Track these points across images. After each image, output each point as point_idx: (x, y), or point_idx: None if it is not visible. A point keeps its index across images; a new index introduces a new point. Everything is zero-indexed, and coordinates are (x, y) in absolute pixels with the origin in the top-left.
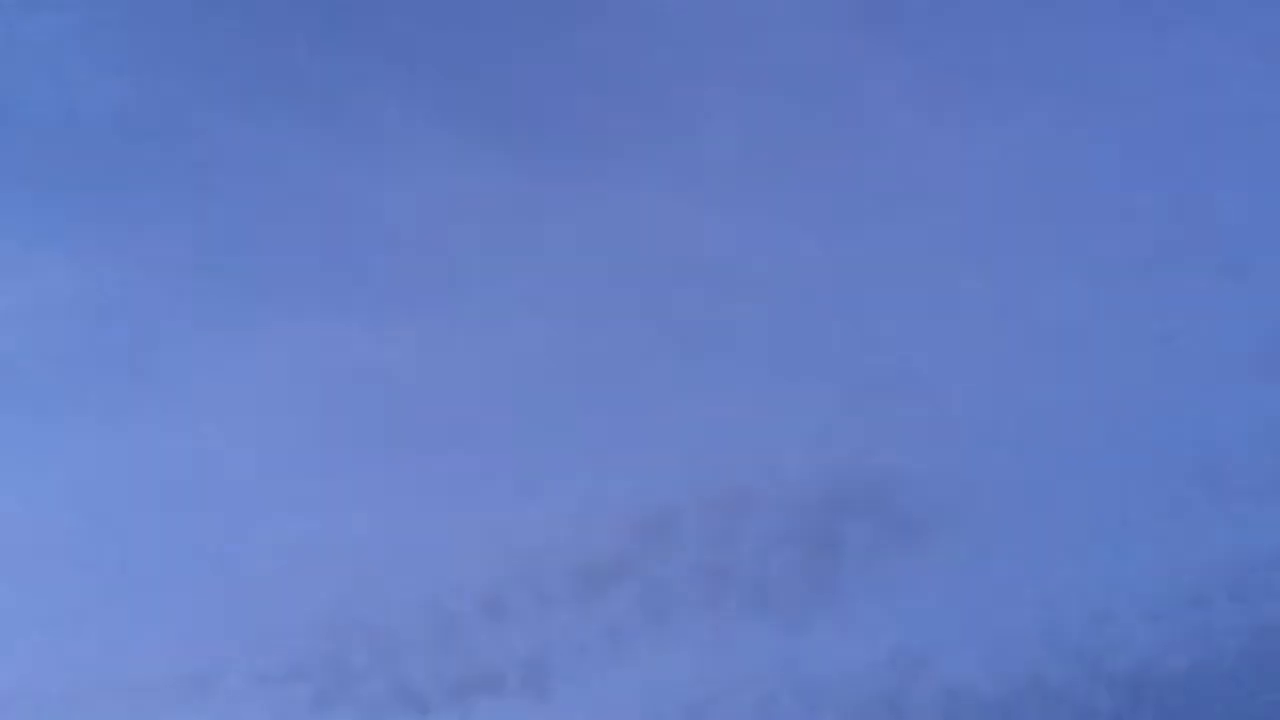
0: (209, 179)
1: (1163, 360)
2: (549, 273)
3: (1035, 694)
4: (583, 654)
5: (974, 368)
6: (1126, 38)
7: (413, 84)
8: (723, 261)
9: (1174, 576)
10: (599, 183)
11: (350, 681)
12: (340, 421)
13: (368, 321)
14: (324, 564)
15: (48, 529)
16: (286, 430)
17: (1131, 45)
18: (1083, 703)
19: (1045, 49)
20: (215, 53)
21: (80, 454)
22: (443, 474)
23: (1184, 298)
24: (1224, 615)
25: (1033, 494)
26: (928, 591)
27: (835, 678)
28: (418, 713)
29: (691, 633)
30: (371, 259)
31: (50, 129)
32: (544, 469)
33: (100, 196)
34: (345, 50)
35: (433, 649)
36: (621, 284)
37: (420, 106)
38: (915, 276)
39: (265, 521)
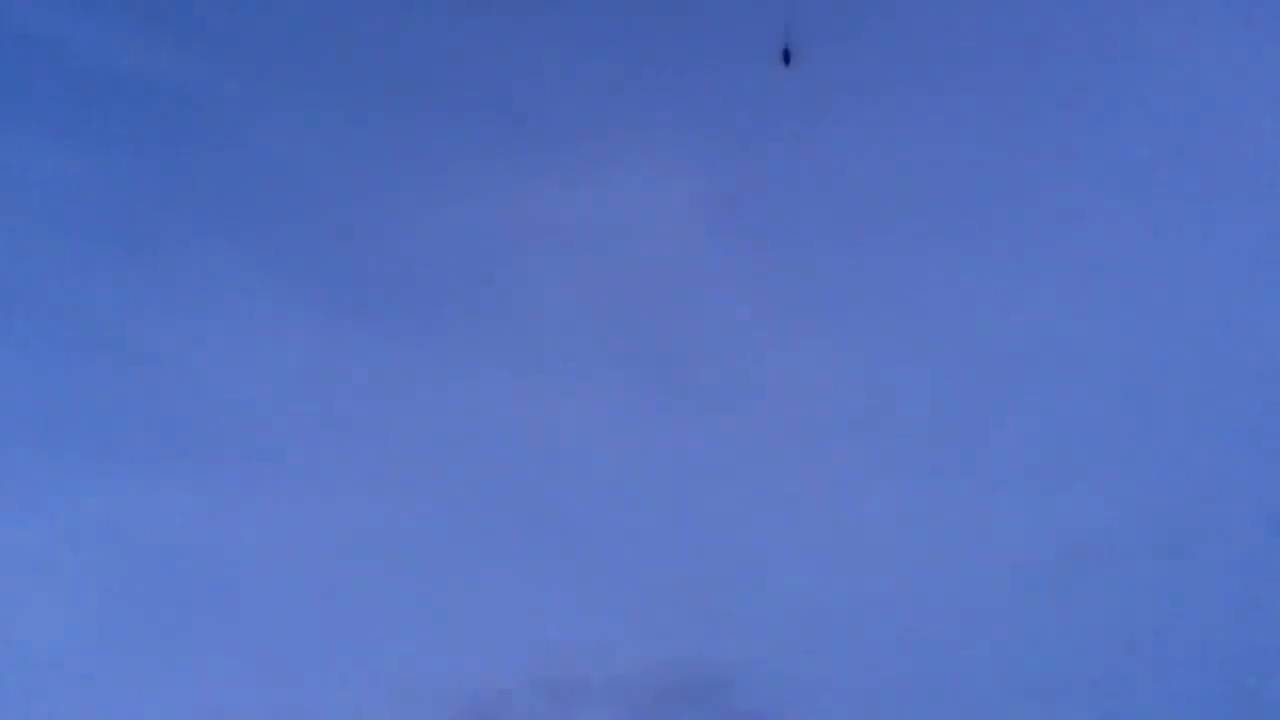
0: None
1: (975, 563)
2: (382, 446)
3: None
4: None
5: (806, 563)
6: (940, 277)
7: (254, 248)
8: (559, 445)
9: None
10: (439, 359)
11: None
12: (134, 598)
13: (177, 487)
14: None
15: None
16: (70, 606)
17: (946, 282)
18: None
19: (883, 264)
20: (42, 198)
21: None
22: (246, 654)
23: (992, 506)
24: None
25: (861, 692)
26: None
27: None
28: None
29: None
30: (189, 422)
31: None
32: (359, 648)
33: None
34: (185, 209)
35: None
36: (455, 461)
37: (260, 272)
38: (749, 470)
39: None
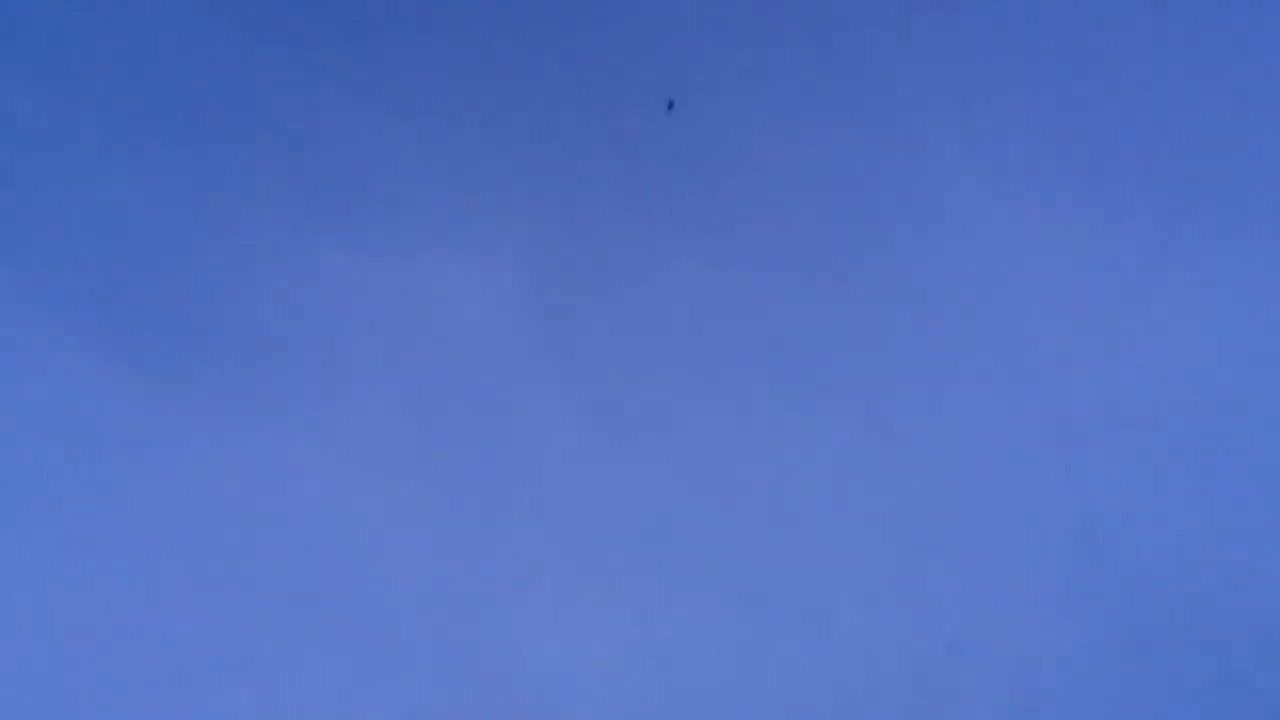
0: None
1: (757, 706)
2: (164, 515)
3: None
4: None
5: (602, 686)
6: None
7: (52, 298)
8: (348, 534)
9: None
10: (235, 428)
11: None
12: None
13: None
14: None
15: None
16: None
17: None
18: None
19: (701, 391)
20: None
21: None
22: None
23: (776, 652)
24: None
25: None
26: None
27: None
28: None
29: None
30: None
31: None
32: None
33: None
34: None
35: None
36: (238, 535)
37: (53, 323)
38: (542, 581)
39: None
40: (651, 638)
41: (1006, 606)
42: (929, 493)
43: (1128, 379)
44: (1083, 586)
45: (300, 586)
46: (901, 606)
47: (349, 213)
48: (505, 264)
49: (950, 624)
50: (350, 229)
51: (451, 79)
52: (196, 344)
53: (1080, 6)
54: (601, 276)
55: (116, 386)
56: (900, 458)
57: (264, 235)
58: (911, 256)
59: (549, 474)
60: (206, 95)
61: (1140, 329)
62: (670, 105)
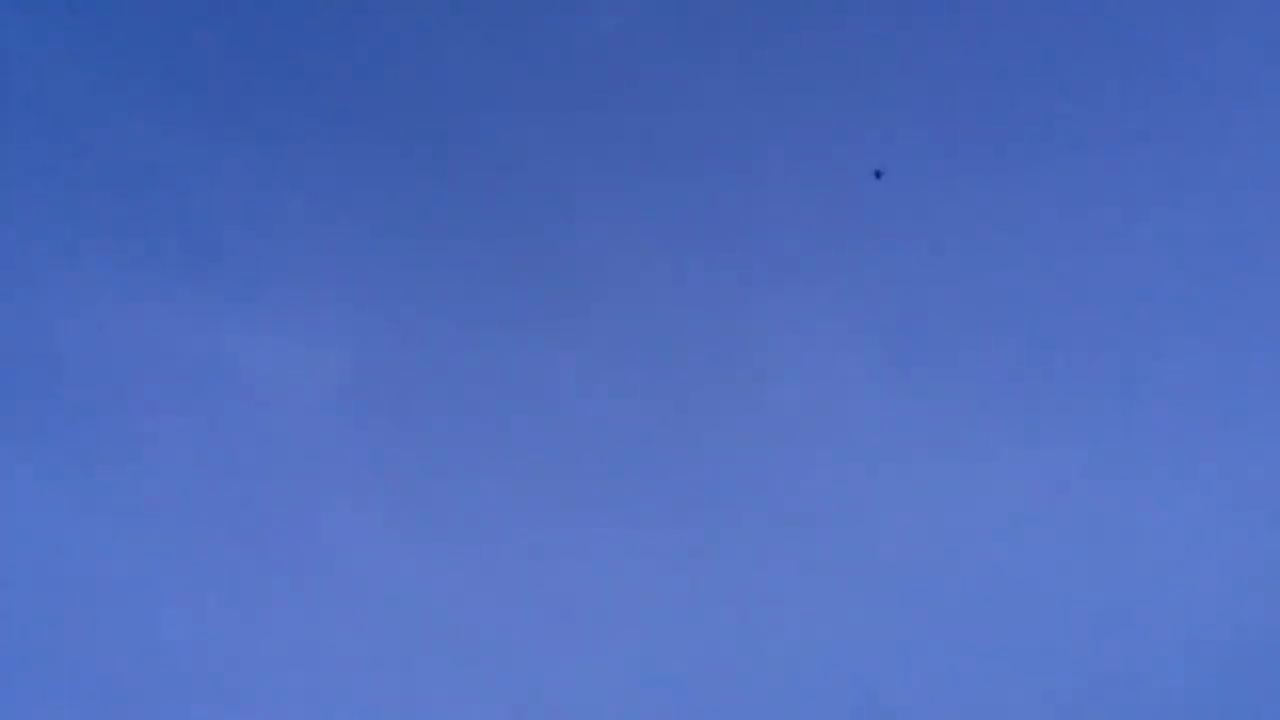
0: None
1: None
2: None
3: None
4: None
5: None
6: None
7: None
8: (134, 600)
9: None
10: (30, 480)
11: None
12: None
13: None
14: None
15: None
16: None
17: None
18: None
19: (515, 500)
20: None
21: None
22: None
23: None
24: None
25: None
26: None
27: None
28: None
29: None
30: None
31: None
32: None
33: None
34: None
35: None
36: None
37: None
38: (348, 671)
39: None
40: None
41: None
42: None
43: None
44: None
45: (69, 648)
46: None
47: (180, 269)
48: (336, 348)
49: None
50: (182, 287)
51: (314, 153)
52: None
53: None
54: (434, 369)
55: None
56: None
57: (84, 281)
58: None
59: (346, 567)
60: (47, 129)
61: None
62: (878, 174)
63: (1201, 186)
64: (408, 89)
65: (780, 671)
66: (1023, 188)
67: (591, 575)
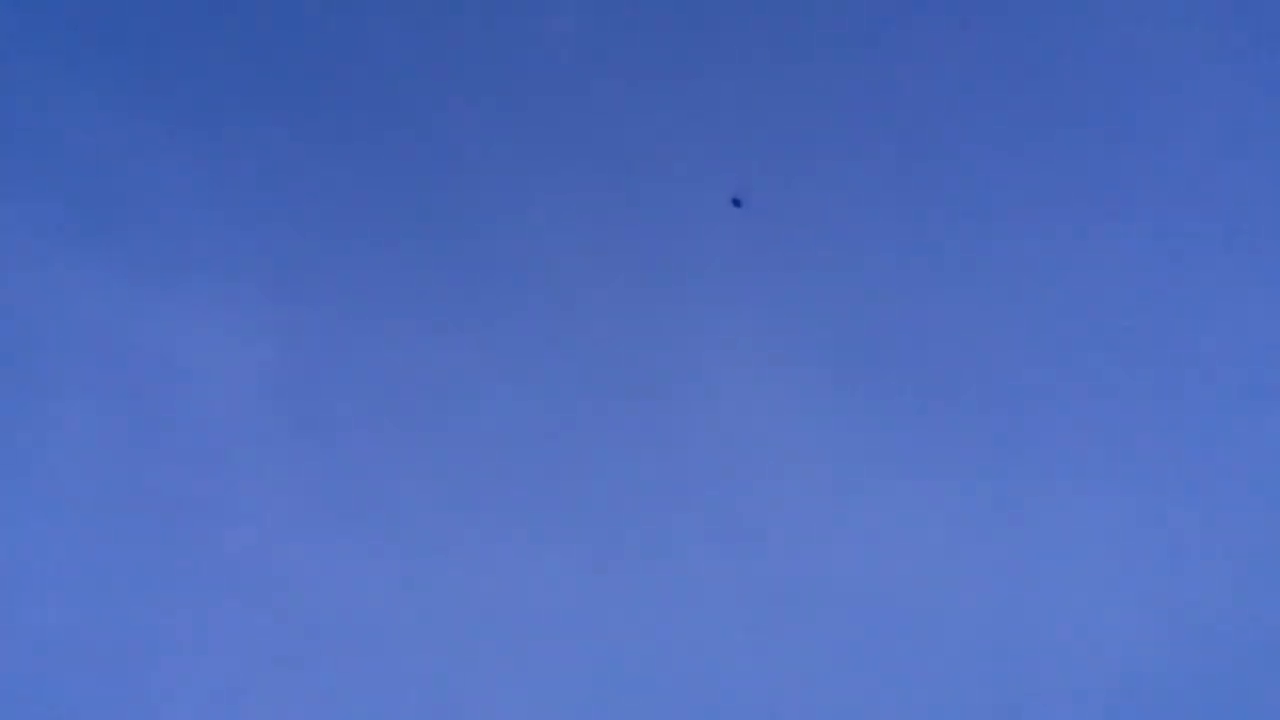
0: None
1: None
2: None
3: None
4: None
5: None
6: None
7: None
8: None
9: None
10: None
11: None
12: None
13: None
14: None
15: None
16: None
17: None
18: None
19: (440, 494)
20: None
21: None
22: None
23: None
24: None
25: None
26: None
27: None
28: None
29: None
30: None
31: None
32: None
33: None
34: None
35: None
36: None
37: None
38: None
39: None
40: None
41: None
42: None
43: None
44: None
45: None
46: None
47: (99, 243)
48: (261, 340)
49: None
50: (101, 252)
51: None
52: None
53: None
54: (359, 366)
55: None
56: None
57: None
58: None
59: (256, 564)
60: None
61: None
62: (737, 203)
63: (1169, 199)
64: (351, 78)
65: (703, 689)
66: (975, 208)
67: (513, 582)
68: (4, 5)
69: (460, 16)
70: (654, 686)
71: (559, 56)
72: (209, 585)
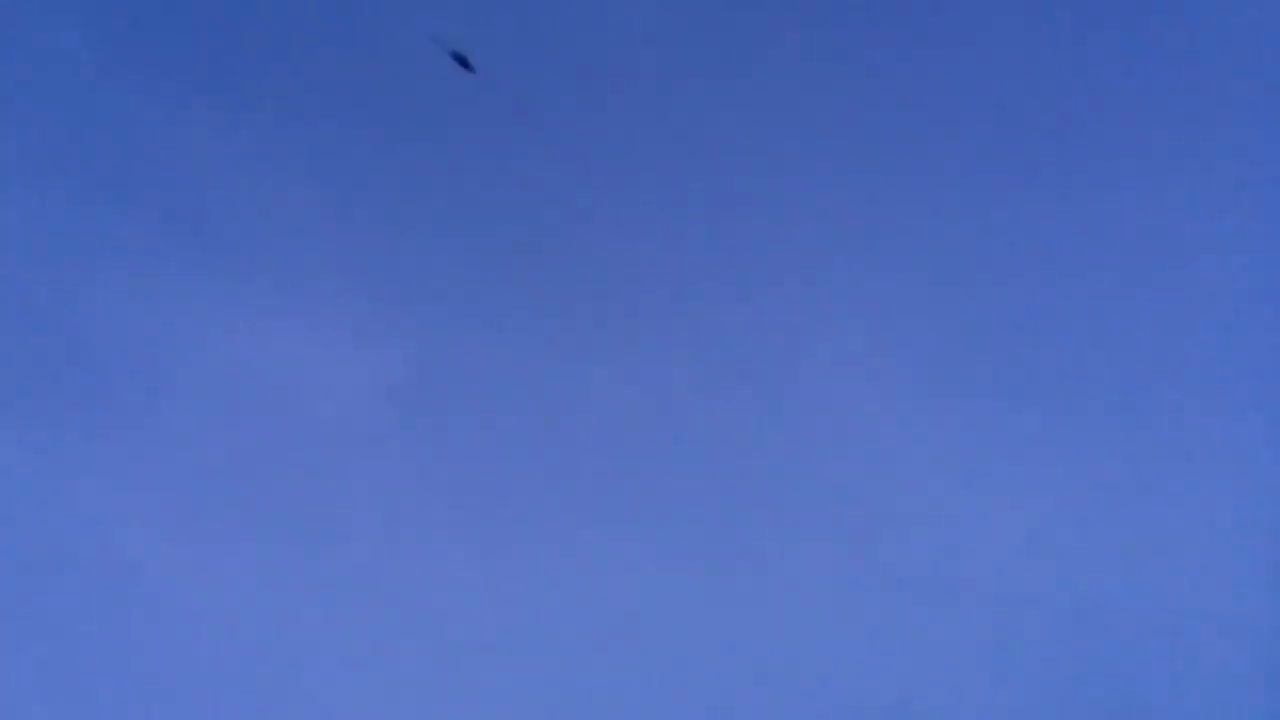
0: None
1: None
2: None
3: None
4: None
5: None
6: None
7: None
8: (169, 591)
9: None
10: (69, 473)
11: None
12: None
13: None
14: None
15: None
16: None
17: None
18: None
19: (560, 504)
20: None
21: None
22: None
23: None
24: None
25: None
26: None
27: None
28: None
29: None
30: None
31: None
32: None
33: None
34: None
35: None
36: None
37: None
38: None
39: None
40: None
41: None
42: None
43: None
44: None
45: (100, 643)
46: None
47: (199, 251)
48: (377, 350)
49: None
50: (221, 280)
51: (359, 150)
52: (47, 378)
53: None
54: (473, 373)
55: None
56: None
57: (131, 274)
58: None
59: (387, 563)
60: (84, 127)
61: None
62: (462, 61)
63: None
64: (475, 92)
65: (799, 680)
66: (1053, 195)
67: (623, 581)
68: (121, 23)
69: (552, 28)
70: (776, 681)
71: (640, 55)
72: (340, 592)
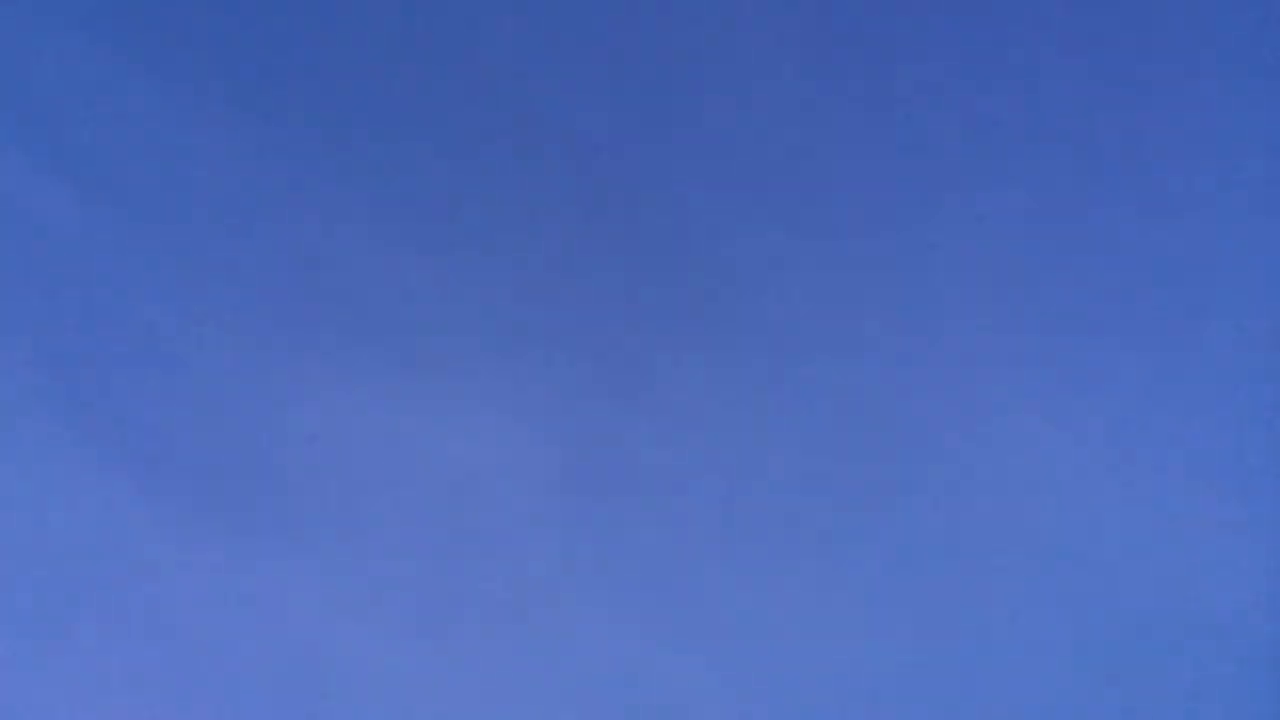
0: None
1: None
2: (186, 646)
3: None
4: None
5: None
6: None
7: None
8: (347, 679)
9: None
10: (239, 560)
11: None
12: None
13: None
14: None
15: None
16: None
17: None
18: None
19: (739, 566)
20: None
21: None
22: None
23: None
24: None
25: None
26: None
27: None
28: None
29: None
30: None
31: None
32: None
33: None
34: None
35: None
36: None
37: (82, 447)
38: None
39: None
40: None
41: None
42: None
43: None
44: None
45: None
46: None
47: (365, 345)
48: (545, 433)
49: None
50: (366, 361)
51: (485, 221)
52: (202, 469)
53: None
54: (635, 431)
55: (121, 509)
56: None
57: (278, 362)
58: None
59: (562, 643)
60: (225, 209)
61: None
62: None
63: None
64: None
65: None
66: None
67: (818, 649)
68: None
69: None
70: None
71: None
72: (523, 679)
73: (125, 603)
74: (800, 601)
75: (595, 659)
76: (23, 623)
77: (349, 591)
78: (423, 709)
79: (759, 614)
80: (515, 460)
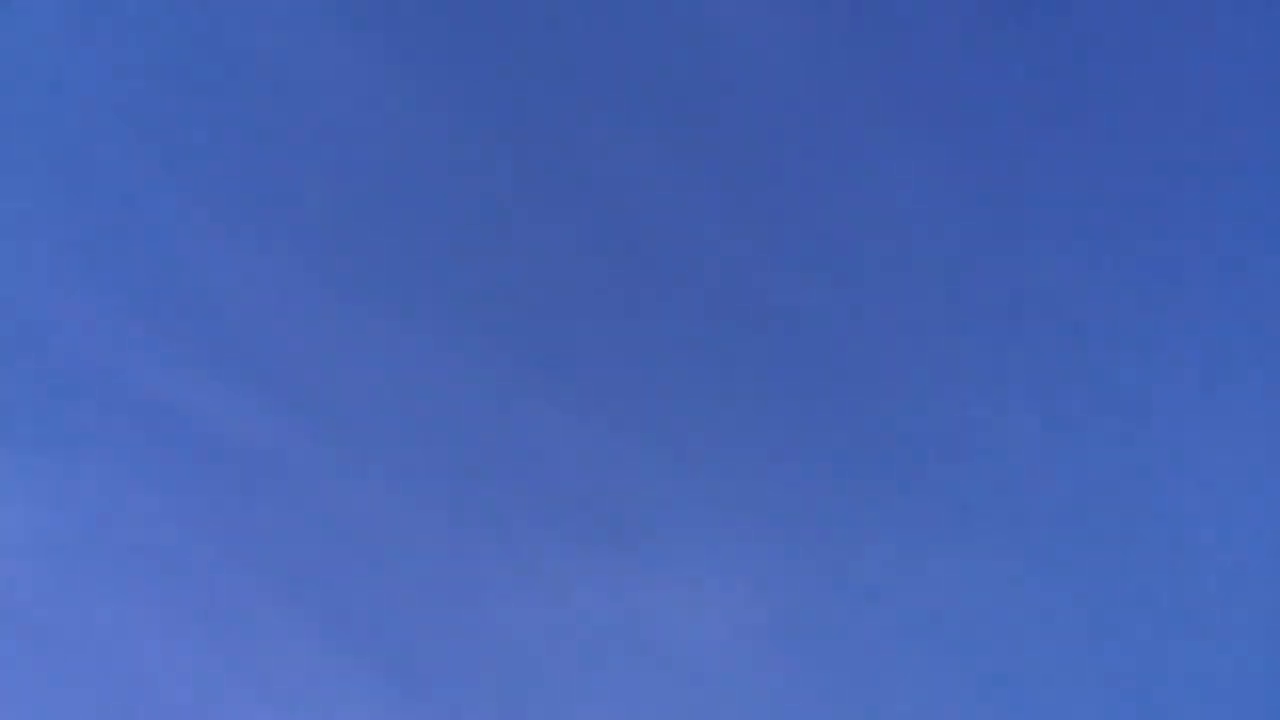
0: None
1: None
2: None
3: None
4: None
5: None
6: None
7: (316, 619)
8: None
9: None
10: None
11: None
12: None
13: None
14: None
15: None
16: None
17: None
18: None
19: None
20: None
21: None
22: None
23: None
24: None
25: None
26: None
27: None
28: None
29: None
30: None
31: None
32: None
33: None
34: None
35: None
36: None
37: (311, 640)
38: None
39: None
40: None
41: None
42: None
43: None
44: None
45: None
46: None
47: (587, 536)
48: (743, 591)
49: None
50: (583, 549)
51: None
52: (430, 669)
53: None
54: (853, 593)
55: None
56: None
57: (503, 555)
58: None
59: None
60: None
61: None
62: None
63: None
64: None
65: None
66: None
67: None
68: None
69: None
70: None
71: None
72: None
73: None
74: None
75: None
76: None
77: None
78: None
79: None
80: (727, 643)
